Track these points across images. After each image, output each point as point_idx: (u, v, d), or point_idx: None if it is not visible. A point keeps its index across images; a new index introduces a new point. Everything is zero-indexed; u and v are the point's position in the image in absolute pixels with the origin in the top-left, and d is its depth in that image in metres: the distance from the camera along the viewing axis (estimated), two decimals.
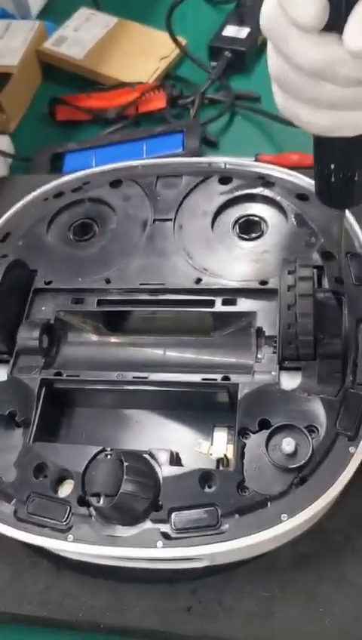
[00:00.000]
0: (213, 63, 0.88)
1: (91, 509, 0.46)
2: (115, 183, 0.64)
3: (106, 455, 0.46)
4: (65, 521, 0.46)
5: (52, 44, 0.95)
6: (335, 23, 0.28)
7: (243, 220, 0.58)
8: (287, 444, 0.45)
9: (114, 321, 0.57)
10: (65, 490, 0.47)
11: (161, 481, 0.46)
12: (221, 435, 0.51)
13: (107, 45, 0.93)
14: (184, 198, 0.61)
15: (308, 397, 0.47)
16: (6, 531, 0.47)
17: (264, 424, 0.47)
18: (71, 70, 0.93)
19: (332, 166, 0.36)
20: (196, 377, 0.50)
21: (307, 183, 0.60)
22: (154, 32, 0.93)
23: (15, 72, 0.90)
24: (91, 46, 0.93)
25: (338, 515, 0.48)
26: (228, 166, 0.64)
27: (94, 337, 0.56)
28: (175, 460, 0.47)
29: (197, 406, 0.51)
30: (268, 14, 0.30)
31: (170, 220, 0.59)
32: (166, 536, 0.44)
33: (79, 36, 0.95)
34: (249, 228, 0.58)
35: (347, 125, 0.31)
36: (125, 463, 0.44)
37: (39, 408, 0.51)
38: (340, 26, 0.27)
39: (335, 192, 0.38)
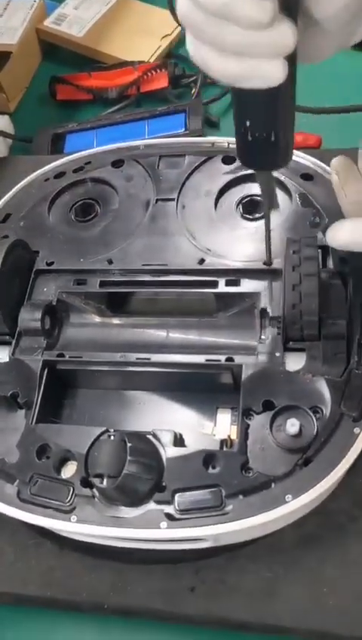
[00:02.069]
0: None
1: (94, 490, 0.46)
2: (117, 163, 0.63)
3: (109, 436, 0.46)
4: (68, 502, 0.46)
5: (52, 23, 0.93)
6: None
7: (246, 199, 0.58)
8: (292, 425, 0.44)
9: (116, 303, 0.56)
10: (68, 471, 0.47)
11: (165, 462, 0.45)
12: (224, 417, 0.50)
13: (107, 23, 0.92)
14: (187, 177, 0.60)
15: (313, 378, 0.47)
16: (9, 512, 0.47)
17: (268, 405, 0.46)
18: (71, 49, 0.92)
19: (248, 123, 0.35)
20: (200, 358, 0.50)
21: (311, 162, 0.60)
22: (155, 9, 0.91)
23: (14, 50, 0.89)
24: (91, 24, 0.91)
25: (343, 495, 0.47)
26: (231, 146, 0.63)
27: (97, 318, 0.56)
28: (178, 441, 0.47)
29: (201, 387, 0.51)
30: None
31: (173, 199, 0.59)
32: (170, 517, 0.44)
33: (79, 14, 0.93)
34: (252, 208, 0.57)
35: (255, 74, 0.32)
36: (128, 444, 0.44)
37: (41, 390, 0.50)
38: None
39: (252, 152, 0.37)
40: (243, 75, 0.32)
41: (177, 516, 0.44)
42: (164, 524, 0.44)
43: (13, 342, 0.53)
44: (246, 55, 0.31)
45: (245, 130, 0.36)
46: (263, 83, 0.32)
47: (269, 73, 0.31)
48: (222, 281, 0.53)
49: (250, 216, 0.57)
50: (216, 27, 0.30)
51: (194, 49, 0.33)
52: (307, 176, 0.58)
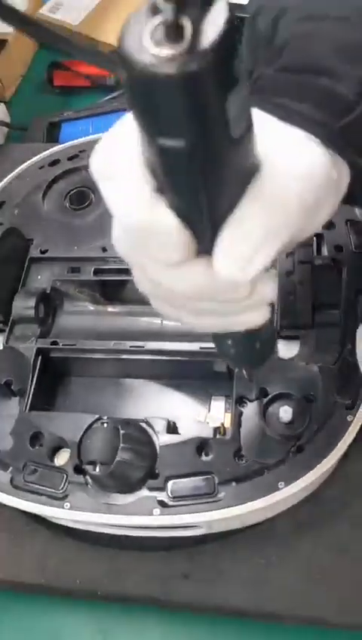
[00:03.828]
0: None
1: (87, 477, 0.46)
2: None
3: (102, 423, 0.46)
4: (61, 489, 0.46)
5: (48, 11, 0.92)
6: (201, 246, 0.25)
7: None
8: (285, 412, 0.44)
9: (110, 291, 0.56)
10: (62, 458, 0.47)
11: (158, 449, 0.45)
12: (218, 404, 0.50)
13: (104, 11, 0.91)
14: None
15: (306, 366, 0.47)
16: (3, 499, 0.47)
17: (261, 393, 0.46)
18: (67, 37, 0.91)
19: (230, 342, 0.35)
20: (194, 346, 0.50)
21: None
22: None
23: (10, 39, 0.88)
24: (88, 12, 0.91)
25: (336, 482, 0.48)
26: None
27: (91, 307, 0.56)
28: (172, 428, 0.47)
29: (195, 375, 0.51)
30: (123, 243, 0.27)
31: None
32: (162, 504, 0.44)
33: (75, 2, 0.92)
34: None
35: (233, 326, 0.29)
36: (121, 431, 0.44)
37: (35, 377, 0.50)
38: (207, 248, 0.24)
39: (237, 359, 0.37)
40: (222, 328, 0.30)
41: (170, 503, 0.44)
42: (156, 510, 0.44)
43: (7, 330, 0.53)
44: (224, 315, 0.29)
45: (227, 346, 0.35)
46: (244, 328, 0.30)
47: (251, 321, 0.29)
48: None
49: None
50: (191, 303, 0.28)
51: (163, 310, 0.30)
52: None
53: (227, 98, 0.20)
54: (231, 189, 0.23)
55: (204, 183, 0.22)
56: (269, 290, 0.28)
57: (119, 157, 0.24)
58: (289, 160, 0.25)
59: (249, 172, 0.24)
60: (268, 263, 0.25)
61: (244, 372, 0.45)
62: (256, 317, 0.29)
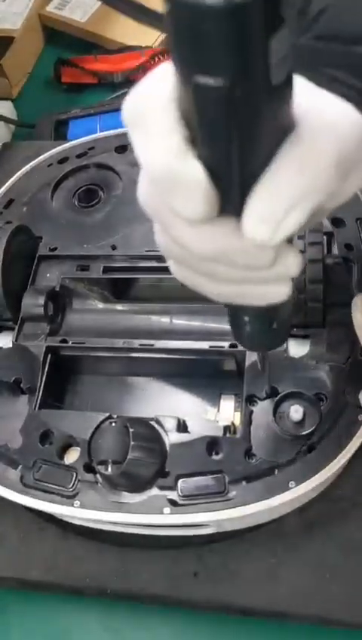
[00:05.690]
0: None
1: (97, 475, 0.45)
2: (121, 149, 0.63)
3: (111, 422, 0.46)
4: (71, 487, 0.46)
5: (54, 8, 0.92)
6: (227, 206, 0.24)
7: None
8: (295, 411, 0.44)
9: (120, 289, 0.56)
10: (71, 457, 0.47)
11: (168, 447, 0.45)
12: (228, 403, 0.50)
13: (110, 8, 0.90)
14: None
15: (317, 365, 0.47)
16: (13, 497, 0.47)
17: (272, 391, 0.46)
18: (74, 34, 0.91)
19: (247, 319, 0.33)
20: (203, 345, 0.49)
21: None
22: None
23: (17, 36, 0.88)
24: (94, 9, 0.91)
25: (346, 481, 0.47)
26: None
27: (100, 305, 0.56)
28: (182, 427, 0.47)
29: (204, 374, 0.51)
30: (147, 195, 0.26)
31: None
32: (173, 502, 0.44)
33: None
34: None
35: (252, 298, 0.28)
36: (131, 429, 0.44)
37: (44, 375, 0.50)
38: (234, 209, 0.23)
39: (250, 338, 0.35)
40: (241, 298, 0.28)
41: (180, 502, 0.44)
42: (167, 509, 0.44)
43: (17, 328, 0.53)
44: (243, 284, 0.27)
45: (243, 324, 0.33)
46: (265, 302, 0.28)
47: (272, 295, 0.28)
48: None
49: None
50: (209, 267, 0.26)
51: (179, 273, 0.29)
52: None
53: (271, 38, 0.19)
54: (265, 145, 0.22)
55: (237, 132, 0.21)
56: (293, 263, 0.26)
57: (152, 103, 0.23)
58: (325, 120, 0.24)
59: (284, 129, 0.23)
60: (299, 226, 0.24)
61: (257, 359, 0.44)
62: (277, 291, 0.28)
